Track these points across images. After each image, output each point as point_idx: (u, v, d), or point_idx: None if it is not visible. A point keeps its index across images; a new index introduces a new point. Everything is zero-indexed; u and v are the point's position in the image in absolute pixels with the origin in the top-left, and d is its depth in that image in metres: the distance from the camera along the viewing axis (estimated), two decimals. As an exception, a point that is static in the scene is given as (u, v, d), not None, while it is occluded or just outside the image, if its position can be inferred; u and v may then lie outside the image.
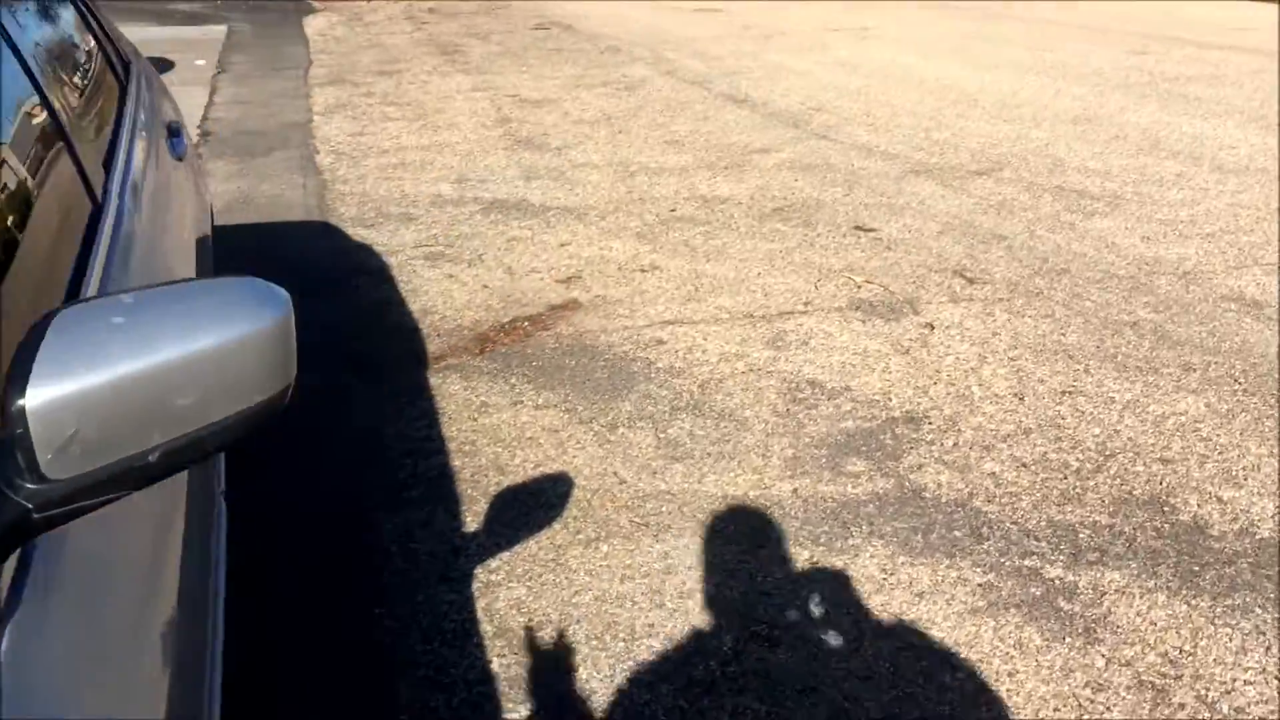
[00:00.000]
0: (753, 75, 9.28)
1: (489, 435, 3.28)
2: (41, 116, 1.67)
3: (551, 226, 5.27)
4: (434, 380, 3.66)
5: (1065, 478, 3.00)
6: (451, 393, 3.56)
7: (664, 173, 6.19)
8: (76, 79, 2.07)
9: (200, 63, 10.51)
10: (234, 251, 5.07)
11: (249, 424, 1.09)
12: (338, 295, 4.45)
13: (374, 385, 3.63)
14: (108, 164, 1.85)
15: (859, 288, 4.40)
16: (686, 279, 4.54)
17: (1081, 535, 2.75)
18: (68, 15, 2.32)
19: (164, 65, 10.22)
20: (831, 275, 4.55)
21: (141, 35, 12.21)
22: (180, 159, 2.51)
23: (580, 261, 4.78)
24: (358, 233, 5.23)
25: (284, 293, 1.15)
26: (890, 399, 3.46)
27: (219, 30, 12.82)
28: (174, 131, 2.56)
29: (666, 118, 7.67)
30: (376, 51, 11.12)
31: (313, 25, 13.35)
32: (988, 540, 2.73)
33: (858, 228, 5.16)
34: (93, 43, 2.38)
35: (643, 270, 4.65)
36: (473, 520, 2.84)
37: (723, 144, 6.87)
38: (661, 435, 3.26)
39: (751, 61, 10.00)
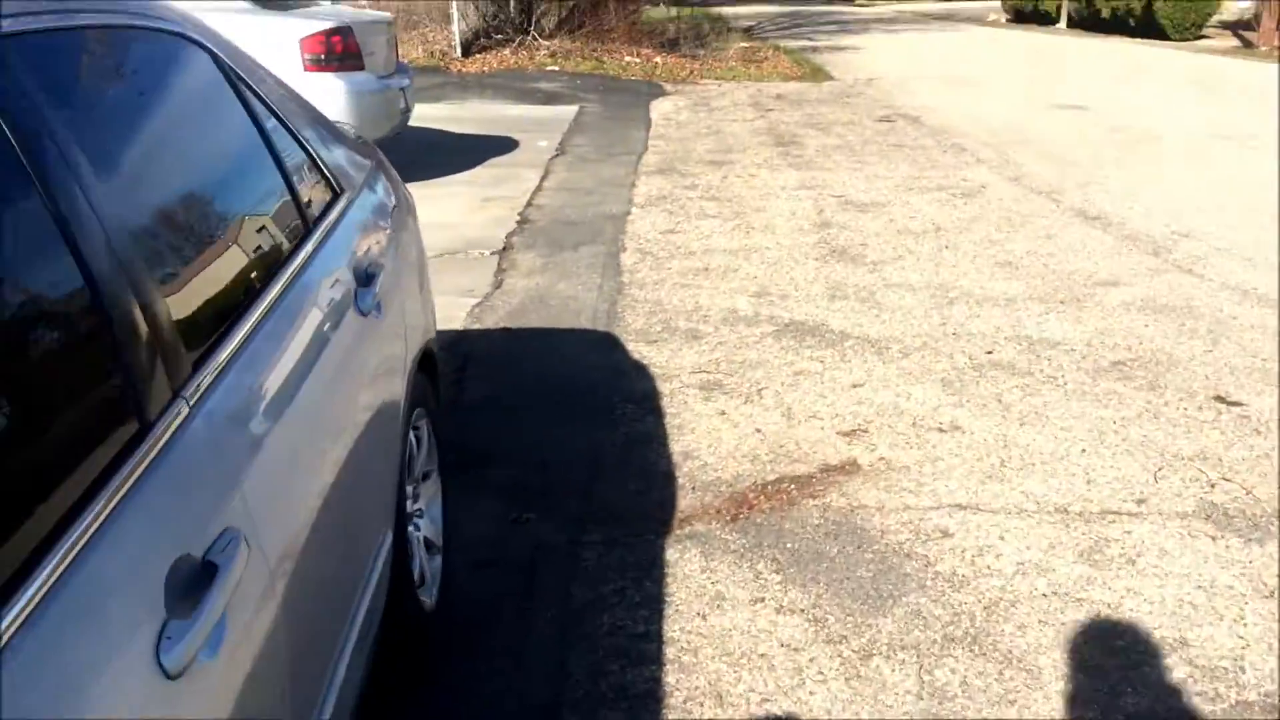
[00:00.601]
0: (1111, 187, 8.28)
1: (716, 643, 2.75)
2: (113, 305, 1.33)
3: (846, 360, 4.69)
4: (672, 553, 3.18)
5: None
6: (687, 574, 3.06)
7: (987, 302, 5.46)
8: (210, 239, 1.76)
9: (543, 144, 10.73)
10: (506, 362, 4.88)
11: None
12: (598, 425, 4.09)
13: (606, 550, 3.20)
14: (203, 360, 1.50)
15: (1212, 486, 3.52)
16: (992, 447, 3.83)
17: None
18: (238, 131, 2.05)
19: (509, 145, 10.54)
20: (1177, 464, 3.69)
21: (498, 113, 12.78)
22: (367, 313, 2.18)
23: (870, 409, 4.17)
24: (638, 349, 4.88)
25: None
26: (1243, 669, 2.62)
27: (570, 111, 13.15)
28: (365, 279, 2.23)
29: (1003, 233, 6.90)
30: (713, 140, 10.96)
31: (659, 109, 13.45)
32: None
33: (1219, 398, 4.23)
34: (273, 174, 2.09)
35: (941, 430, 3.98)
36: (668, 769, 2.32)
37: (1063, 270, 6.03)
38: (926, 678, 2.60)
39: (1112, 169, 8.97)
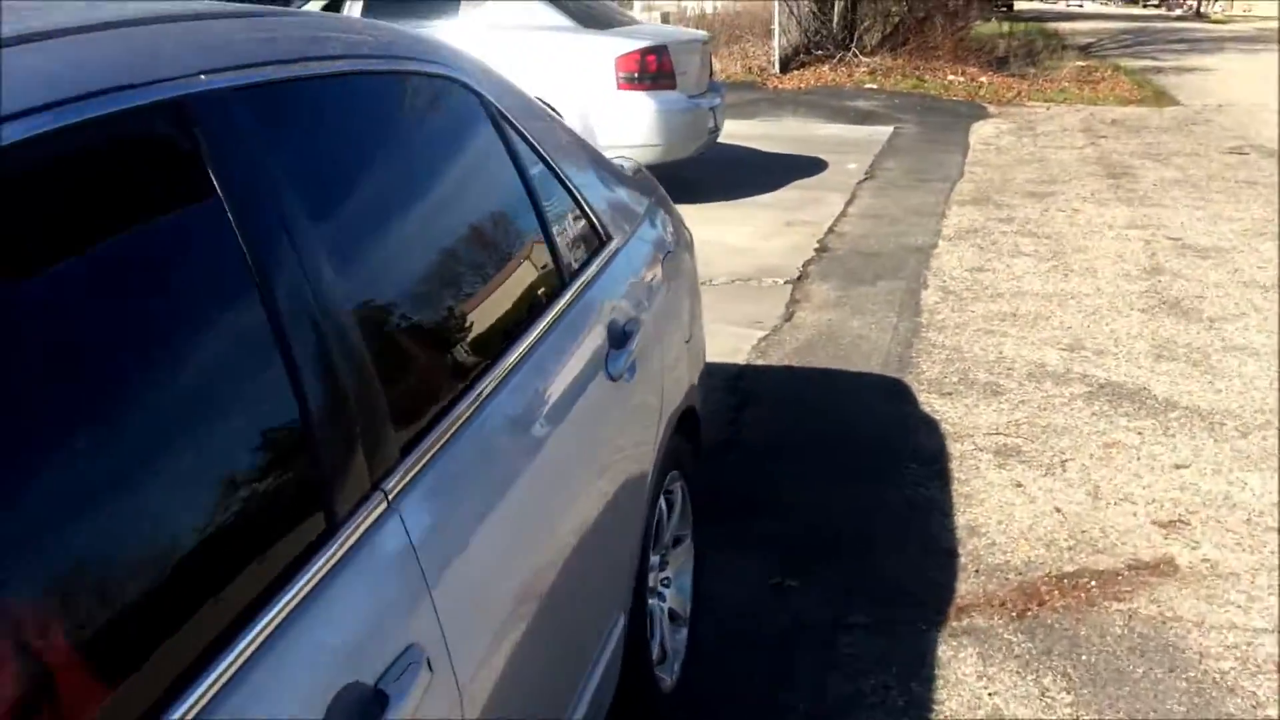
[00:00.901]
0: None
1: (985, 769, 2.41)
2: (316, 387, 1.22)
3: (1170, 435, 4.14)
4: (945, 649, 2.84)
5: None
6: (960, 678, 2.72)
7: (1353, 378, 4.71)
8: (445, 306, 1.64)
9: (851, 166, 10.41)
10: (786, 403, 4.64)
11: None
12: (878, 484, 3.79)
13: (871, 635, 2.91)
14: (413, 444, 1.36)
15: None
16: (1349, 562, 3.23)
17: None
18: (498, 181, 1.93)
19: (817, 166, 10.29)
20: None
21: (810, 132, 12.55)
22: (617, 377, 2.01)
23: (1195, 498, 3.64)
24: (930, 401, 4.52)
25: None
26: None
27: (884, 132, 12.72)
28: (620, 339, 2.07)
29: (1376, 293, 5.98)
30: (1035, 168, 10.26)
31: (979, 132, 12.79)
32: None
33: None
34: (531, 228, 1.95)
35: (1283, 533, 3.41)
36: None
37: None
38: None
39: None
